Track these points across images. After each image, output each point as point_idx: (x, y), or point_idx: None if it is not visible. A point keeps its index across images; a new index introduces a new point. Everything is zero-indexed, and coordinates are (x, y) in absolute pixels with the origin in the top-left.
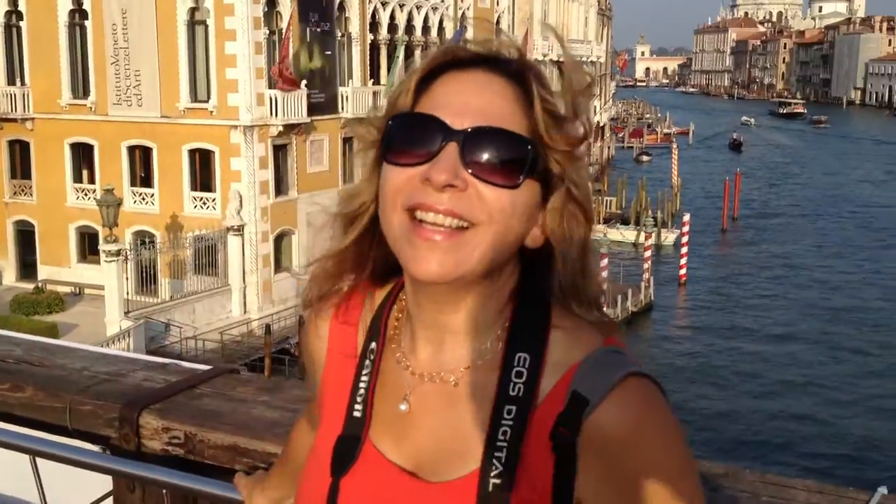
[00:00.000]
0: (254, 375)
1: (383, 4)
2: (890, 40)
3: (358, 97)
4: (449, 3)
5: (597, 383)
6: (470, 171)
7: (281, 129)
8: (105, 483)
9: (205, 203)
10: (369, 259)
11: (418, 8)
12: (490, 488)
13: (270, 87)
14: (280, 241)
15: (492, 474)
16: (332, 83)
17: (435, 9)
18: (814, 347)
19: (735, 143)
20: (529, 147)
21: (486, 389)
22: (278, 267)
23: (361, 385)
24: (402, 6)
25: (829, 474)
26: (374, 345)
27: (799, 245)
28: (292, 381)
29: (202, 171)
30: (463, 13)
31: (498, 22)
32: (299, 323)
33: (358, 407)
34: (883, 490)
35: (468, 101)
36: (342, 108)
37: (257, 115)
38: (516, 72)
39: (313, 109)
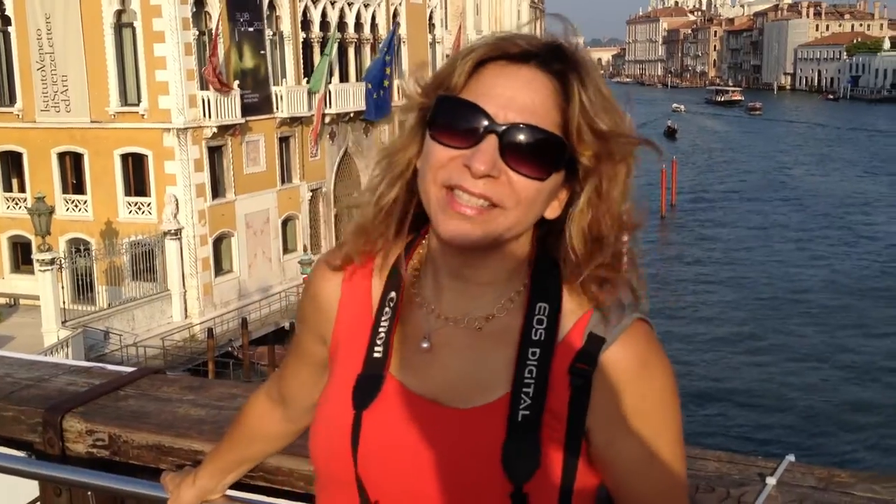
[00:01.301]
0: (180, 375)
1: (314, 2)
2: (817, 25)
3: (292, 96)
4: None
5: (610, 326)
6: (507, 162)
7: (215, 130)
8: (31, 488)
9: (140, 208)
10: (409, 212)
11: (350, 5)
12: (519, 418)
13: (202, 89)
14: (219, 243)
15: (521, 407)
16: (266, 83)
17: (367, 5)
18: (748, 327)
19: (670, 131)
20: (560, 146)
21: (509, 335)
22: (219, 270)
23: (382, 329)
24: (333, 3)
25: (740, 445)
26: (393, 293)
27: (736, 229)
28: (219, 380)
29: (136, 175)
30: (395, 9)
31: (431, 17)
32: (242, 325)
33: (378, 348)
34: (790, 458)
35: (513, 96)
36: (277, 108)
37: (190, 117)
38: (560, 71)
39: (247, 110)
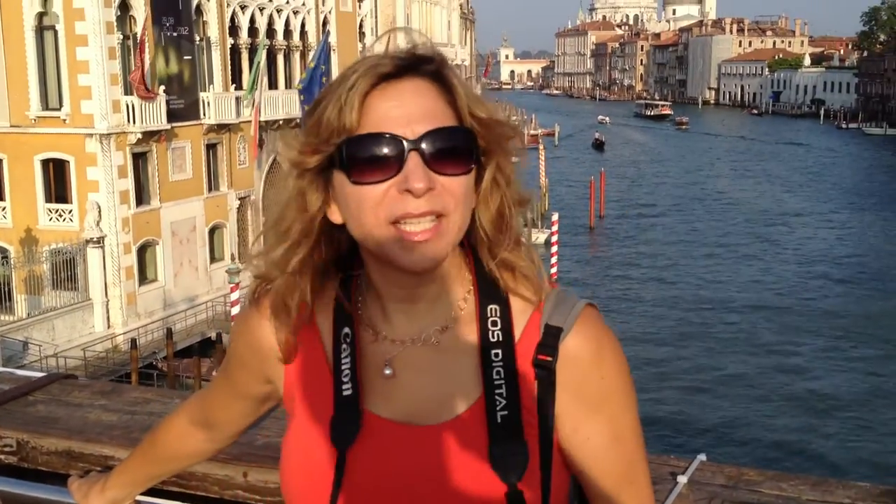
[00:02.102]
0: (91, 380)
1: (242, 8)
2: (740, 41)
3: (220, 102)
4: (310, 6)
5: (564, 315)
6: (434, 171)
7: (140, 136)
8: None
9: (61, 215)
10: (321, 263)
11: (279, 11)
12: (499, 419)
13: (127, 94)
14: (144, 251)
15: (497, 408)
16: (193, 89)
17: (296, 12)
18: (671, 333)
19: (598, 143)
20: (469, 135)
21: (467, 341)
22: (143, 279)
23: (345, 366)
24: (262, 10)
25: (653, 445)
26: (347, 329)
27: (663, 240)
28: (132, 385)
29: (57, 181)
30: (325, 17)
31: (361, 26)
32: (167, 335)
33: (347, 386)
34: (702, 457)
35: (409, 111)
36: (204, 114)
37: (114, 123)
38: (435, 72)
39: (173, 116)
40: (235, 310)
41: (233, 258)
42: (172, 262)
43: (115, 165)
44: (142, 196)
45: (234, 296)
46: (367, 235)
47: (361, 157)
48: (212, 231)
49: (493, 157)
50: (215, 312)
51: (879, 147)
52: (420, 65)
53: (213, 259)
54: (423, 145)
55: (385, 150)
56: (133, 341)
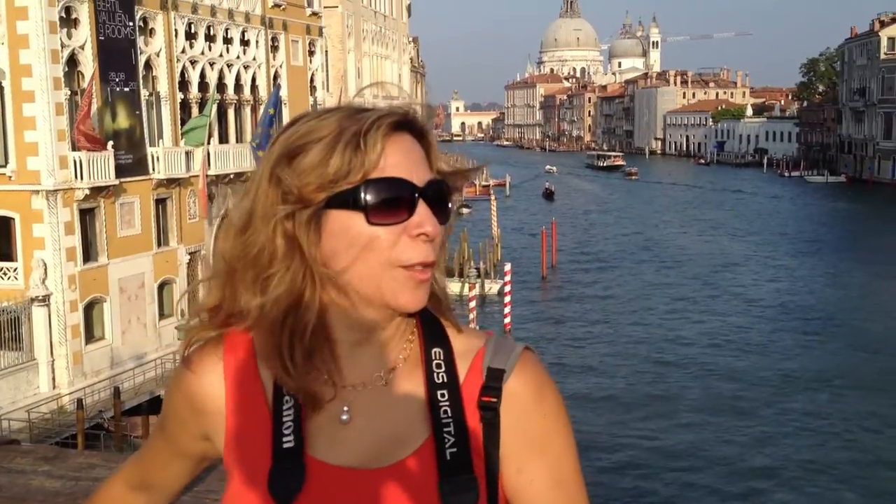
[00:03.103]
0: (35, 445)
1: (192, 63)
2: (684, 93)
3: (170, 157)
4: (261, 61)
5: (505, 358)
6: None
7: (87, 192)
8: None
9: (5, 273)
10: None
11: (229, 66)
12: (448, 457)
13: (74, 150)
14: (91, 309)
15: (447, 446)
16: (142, 144)
17: (247, 67)
18: (624, 383)
19: (548, 192)
20: (450, 188)
21: (414, 382)
22: (90, 337)
23: (287, 418)
24: (212, 65)
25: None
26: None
27: (615, 288)
28: (77, 450)
29: (1, 239)
30: (276, 71)
31: (312, 79)
32: (115, 395)
33: (288, 438)
34: None
35: (413, 160)
36: (153, 169)
37: (60, 179)
38: (420, 131)
39: (122, 171)
40: None
41: (182, 314)
42: (120, 320)
43: (61, 222)
44: (89, 252)
45: None
46: (370, 276)
47: (382, 198)
48: (161, 287)
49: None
50: (164, 370)
51: (821, 194)
52: (413, 123)
53: (162, 315)
54: (428, 192)
55: (399, 194)
56: (79, 401)
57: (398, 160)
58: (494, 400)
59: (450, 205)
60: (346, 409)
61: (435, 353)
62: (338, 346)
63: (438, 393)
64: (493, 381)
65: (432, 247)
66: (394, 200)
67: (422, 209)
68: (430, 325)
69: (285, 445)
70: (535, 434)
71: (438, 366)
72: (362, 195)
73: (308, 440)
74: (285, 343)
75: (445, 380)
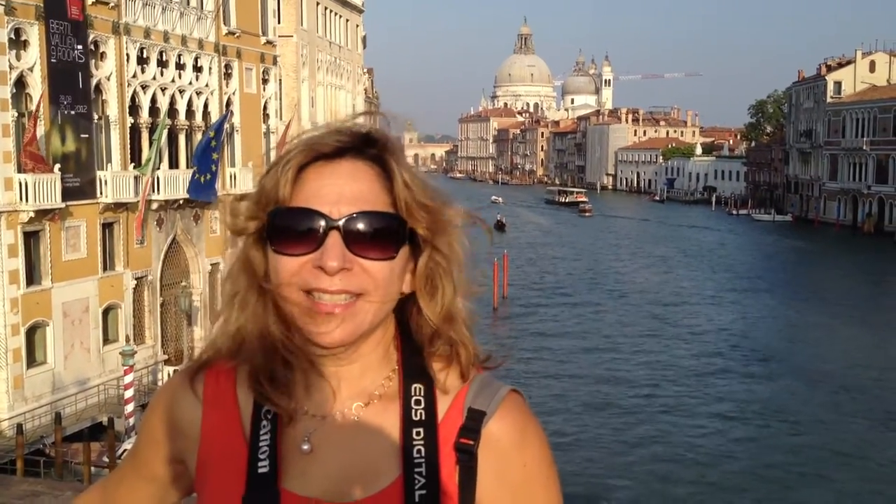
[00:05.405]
0: None
1: (143, 88)
2: (636, 130)
3: (118, 181)
4: (214, 87)
5: (488, 399)
6: (354, 252)
7: (32, 214)
8: None
9: None
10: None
11: (181, 92)
12: (417, 499)
13: (20, 172)
14: (33, 333)
15: (416, 487)
16: (90, 167)
17: (199, 93)
18: (574, 418)
19: (500, 224)
20: (397, 222)
21: (388, 419)
22: (31, 361)
23: (263, 443)
24: (164, 90)
25: None
26: (268, 405)
27: (565, 319)
28: (21, 478)
29: None
30: (229, 98)
31: (265, 107)
32: (56, 420)
33: (263, 463)
34: None
35: (341, 191)
36: (101, 193)
37: (5, 201)
38: (376, 155)
39: (69, 194)
40: (129, 393)
41: (127, 339)
42: (63, 344)
43: (4, 244)
44: (32, 276)
45: (128, 378)
46: (283, 302)
47: (284, 227)
48: (106, 312)
49: (434, 245)
50: (107, 396)
51: (768, 233)
52: (364, 147)
53: (106, 340)
54: (346, 226)
55: (307, 226)
56: (19, 426)
57: (318, 191)
58: (471, 443)
59: (395, 239)
60: (306, 437)
61: (415, 388)
62: (310, 375)
63: (414, 431)
64: (473, 423)
65: (349, 277)
66: (295, 231)
67: (330, 242)
68: (413, 361)
69: (260, 470)
70: (514, 483)
71: (417, 402)
72: (270, 224)
73: (280, 468)
74: (260, 362)
75: (423, 417)
